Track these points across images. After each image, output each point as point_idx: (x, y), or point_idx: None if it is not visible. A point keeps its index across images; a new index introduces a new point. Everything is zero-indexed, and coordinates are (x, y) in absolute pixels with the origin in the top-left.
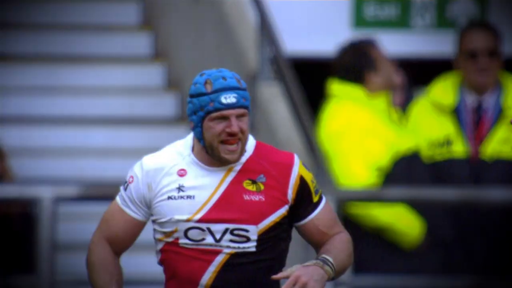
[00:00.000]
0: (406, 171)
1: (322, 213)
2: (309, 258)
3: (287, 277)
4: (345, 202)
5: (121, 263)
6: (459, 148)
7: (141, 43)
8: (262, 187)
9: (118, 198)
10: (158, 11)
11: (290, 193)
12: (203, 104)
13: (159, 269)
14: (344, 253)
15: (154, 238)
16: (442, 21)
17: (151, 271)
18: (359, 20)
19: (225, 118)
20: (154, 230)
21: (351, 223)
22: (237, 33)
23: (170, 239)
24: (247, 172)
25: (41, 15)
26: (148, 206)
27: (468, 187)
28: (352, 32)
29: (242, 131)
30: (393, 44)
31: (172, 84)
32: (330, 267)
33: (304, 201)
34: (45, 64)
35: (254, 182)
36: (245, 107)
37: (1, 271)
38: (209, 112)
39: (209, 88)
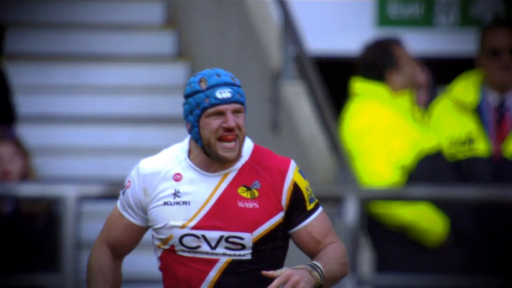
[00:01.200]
0: (430, 169)
1: (316, 221)
2: None
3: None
4: (368, 201)
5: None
6: (481, 146)
7: (165, 42)
8: (256, 194)
9: (118, 203)
10: (182, 10)
11: (284, 199)
12: (198, 101)
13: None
14: (335, 262)
15: (153, 245)
16: (466, 20)
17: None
18: (383, 18)
19: (221, 113)
20: (153, 236)
21: (374, 222)
22: (261, 32)
23: (166, 246)
24: (242, 178)
25: (65, 14)
26: (144, 211)
27: (491, 186)
28: (375, 31)
29: (239, 127)
30: (417, 42)
31: None
32: (319, 274)
33: (297, 208)
34: (69, 63)
35: (248, 189)
36: (241, 103)
37: (25, 270)
38: (205, 109)
39: (203, 86)
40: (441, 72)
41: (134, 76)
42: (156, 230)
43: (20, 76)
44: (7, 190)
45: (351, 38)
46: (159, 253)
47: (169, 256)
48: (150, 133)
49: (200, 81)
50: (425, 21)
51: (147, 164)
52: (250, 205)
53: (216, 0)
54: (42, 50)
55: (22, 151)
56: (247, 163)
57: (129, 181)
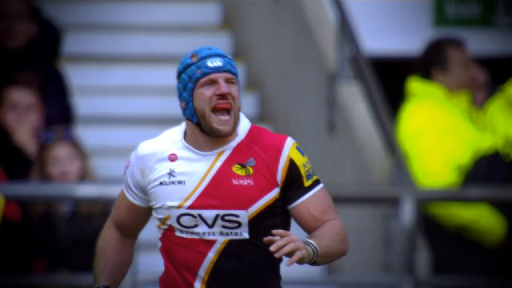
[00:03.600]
0: (486, 170)
1: (314, 197)
2: None
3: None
4: (425, 202)
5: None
6: None
7: (221, 43)
8: (251, 171)
9: (123, 184)
10: (238, 11)
11: (280, 176)
12: (190, 74)
13: None
14: (330, 239)
15: (156, 225)
16: None
17: None
18: (441, 18)
19: (214, 82)
20: (155, 217)
21: (431, 223)
22: (317, 32)
23: (165, 227)
24: (237, 156)
25: (123, 16)
26: (143, 191)
27: None
28: (433, 31)
29: (232, 96)
30: (475, 42)
31: (251, 83)
32: (312, 250)
33: (294, 184)
34: (127, 64)
35: (243, 166)
36: (233, 74)
37: (83, 270)
38: (197, 80)
39: (195, 59)
40: (500, 72)
41: None
42: (156, 210)
43: (78, 78)
44: (65, 191)
45: (408, 38)
46: (159, 234)
47: (169, 238)
48: None
49: (192, 56)
50: (484, 20)
51: (145, 146)
52: (245, 182)
53: (272, 1)
54: (100, 52)
55: (80, 152)
56: (242, 141)
57: (129, 162)
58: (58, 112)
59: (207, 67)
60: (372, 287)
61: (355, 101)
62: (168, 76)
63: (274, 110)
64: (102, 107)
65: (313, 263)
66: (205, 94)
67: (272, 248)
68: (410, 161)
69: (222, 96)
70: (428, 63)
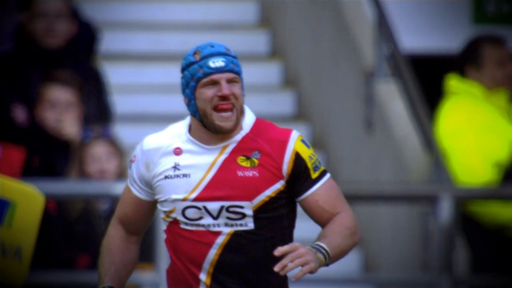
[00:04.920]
0: None
1: (322, 189)
2: None
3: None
4: (463, 200)
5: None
6: None
7: (259, 41)
8: (256, 162)
9: (128, 178)
10: (276, 9)
11: (285, 168)
12: (193, 72)
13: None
14: (340, 235)
15: (161, 218)
16: None
17: None
18: (480, 16)
19: (215, 83)
20: (159, 210)
21: (470, 221)
22: (354, 30)
23: (170, 219)
24: (241, 149)
25: (160, 14)
26: (149, 186)
27: None
28: (472, 29)
29: (234, 96)
30: None
31: (289, 81)
32: (323, 255)
33: (301, 176)
34: (164, 62)
35: (248, 158)
36: (235, 73)
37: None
38: (199, 79)
39: (197, 57)
40: None
41: None
42: (161, 203)
43: (116, 76)
44: (103, 189)
45: (447, 36)
46: (164, 227)
47: (174, 230)
48: None
49: (194, 53)
50: None
51: (150, 140)
52: (250, 173)
53: None
54: (138, 50)
55: (118, 150)
56: (247, 135)
57: (134, 156)
58: (96, 111)
59: (209, 67)
60: (410, 286)
61: (392, 99)
62: None
63: (311, 109)
64: (140, 105)
65: (325, 265)
66: (206, 94)
67: (276, 268)
68: (448, 159)
69: (224, 97)
70: (463, 61)
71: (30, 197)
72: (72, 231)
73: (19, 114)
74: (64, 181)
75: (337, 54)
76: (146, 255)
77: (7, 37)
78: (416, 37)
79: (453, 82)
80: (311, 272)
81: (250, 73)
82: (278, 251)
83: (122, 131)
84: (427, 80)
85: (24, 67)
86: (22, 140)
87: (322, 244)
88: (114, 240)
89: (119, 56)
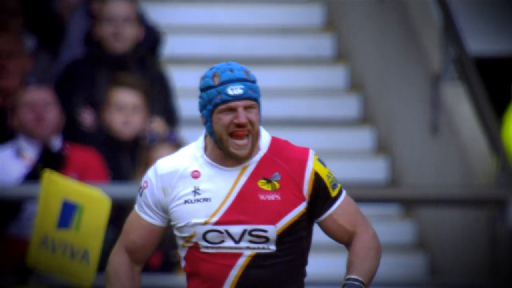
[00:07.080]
0: None
1: (341, 207)
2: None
3: None
4: None
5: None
6: None
7: (324, 44)
8: (277, 185)
9: (136, 205)
10: (341, 12)
11: (306, 189)
12: (211, 97)
13: (335, 270)
14: (368, 261)
15: (178, 245)
16: None
17: (329, 272)
18: None
19: (232, 110)
20: (176, 236)
21: None
22: (421, 33)
23: (190, 244)
24: (261, 171)
25: (225, 18)
26: (164, 210)
27: None
28: None
29: (251, 122)
30: None
31: (354, 85)
32: (360, 286)
33: (321, 196)
34: None
35: (269, 181)
36: (253, 99)
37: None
38: (217, 105)
39: (216, 81)
40: None
41: (294, 79)
42: (179, 228)
43: (181, 80)
44: None
45: None
46: (183, 253)
47: (194, 254)
48: (309, 135)
49: (214, 75)
50: None
51: (164, 164)
52: (272, 197)
53: (376, 1)
54: (203, 54)
55: None
56: (265, 155)
57: (145, 182)
58: (162, 114)
59: (227, 94)
60: None
61: (459, 102)
62: (271, 78)
63: (376, 112)
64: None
65: None
66: (223, 120)
67: None
68: None
69: (240, 125)
70: None
71: (96, 200)
72: None
73: (87, 117)
74: (130, 185)
75: (403, 57)
76: None
77: (76, 43)
78: (483, 40)
79: None
80: None
81: (315, 76)
82: None
83: (188, 135)
84: (494, 83)
85: (91, 71)
86: (89, 143)
87: (355, 277)
88: (122, 267)
89: (184, 60)
